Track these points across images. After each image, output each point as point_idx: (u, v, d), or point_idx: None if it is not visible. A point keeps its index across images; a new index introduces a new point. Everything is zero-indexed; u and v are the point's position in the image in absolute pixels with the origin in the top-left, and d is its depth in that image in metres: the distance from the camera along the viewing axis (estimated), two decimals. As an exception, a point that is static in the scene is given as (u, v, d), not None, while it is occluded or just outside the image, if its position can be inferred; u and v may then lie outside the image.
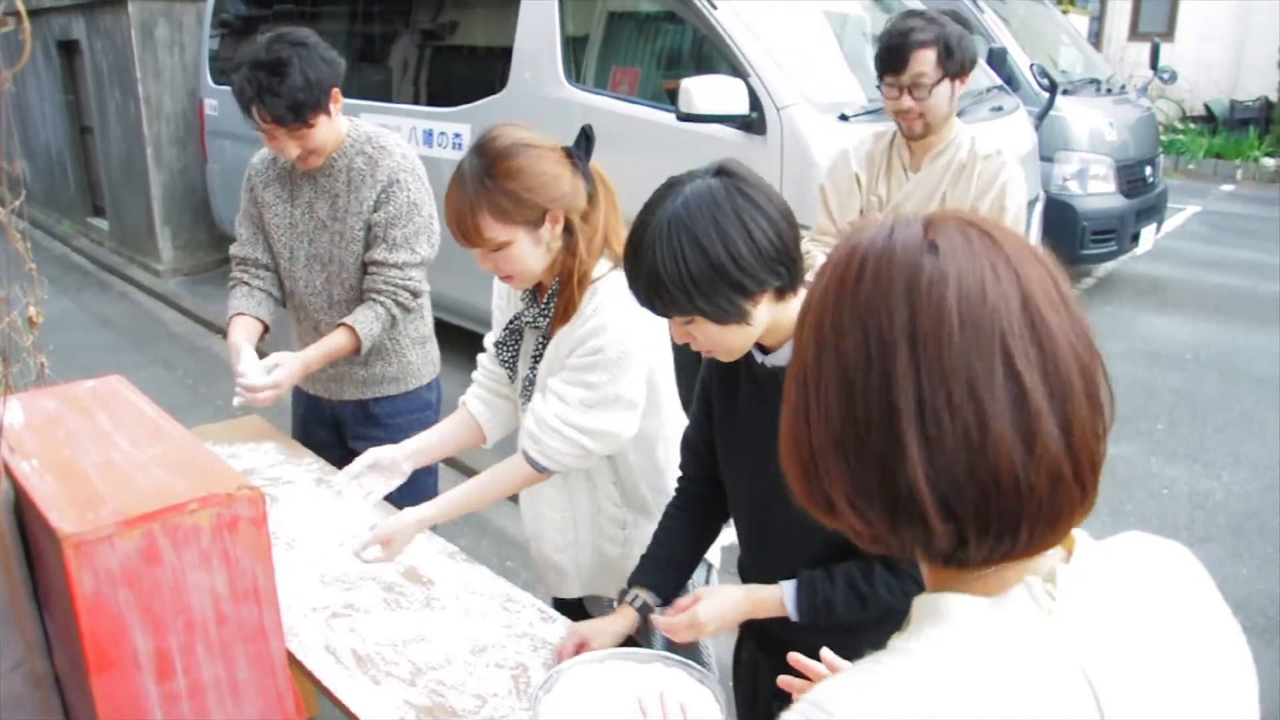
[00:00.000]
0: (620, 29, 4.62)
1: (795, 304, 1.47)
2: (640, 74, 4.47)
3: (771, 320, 1.46)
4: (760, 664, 1.76)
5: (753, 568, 1.73)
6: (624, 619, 1.75)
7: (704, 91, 3.80)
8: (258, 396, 2.25)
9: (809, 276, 1.98)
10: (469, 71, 5.20)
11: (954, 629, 0.70)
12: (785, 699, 1.25)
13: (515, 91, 4.53)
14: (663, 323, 1.54)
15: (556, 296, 1.85)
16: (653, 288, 1.40)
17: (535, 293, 1.92)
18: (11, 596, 1.10)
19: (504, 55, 4.69)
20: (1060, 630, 0.70)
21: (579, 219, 1.81)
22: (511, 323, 1.97)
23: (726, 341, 1.47)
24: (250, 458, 2.50)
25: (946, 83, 2.52)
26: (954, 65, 2.51)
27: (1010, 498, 0.66)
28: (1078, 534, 0.75)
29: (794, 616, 1.56)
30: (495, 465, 1.94)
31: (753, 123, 3.88)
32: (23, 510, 1.11)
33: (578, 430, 1.81)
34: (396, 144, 2.48)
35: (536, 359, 1.92)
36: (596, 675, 1.63)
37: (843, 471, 0.70)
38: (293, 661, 1.71)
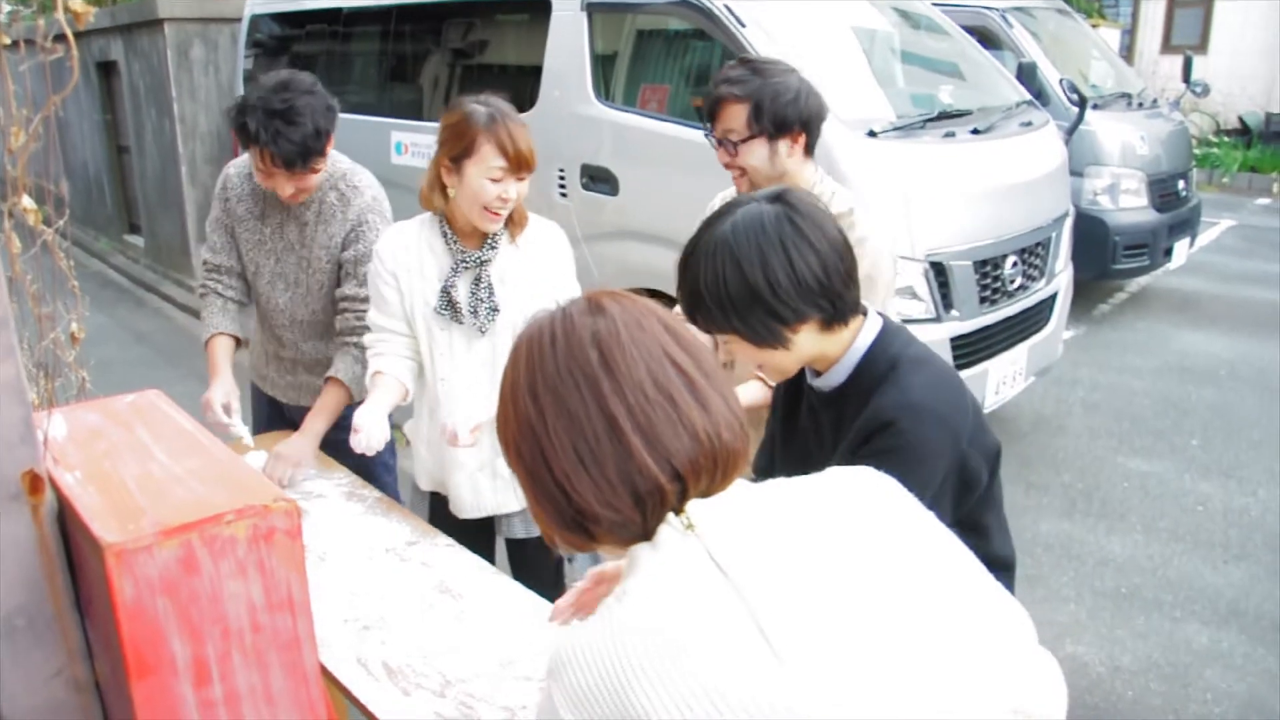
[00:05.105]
0: (649, 47, 4.65)
1: (847, 334, 1.53)
2: (669, 91, 4.49)
3: (818, 349, 1.52)
4: None
5: None
6: None
7: (732, 108, 3.81)
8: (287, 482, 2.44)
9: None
10: (499, 89, 5.23)
11: (643, 568, 0.95)
12: None
13: (545, 109, 4.57)
14: None
15: (498, 238, 2.28)
16: (694, 302, 1.49)
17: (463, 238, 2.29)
18: (55, 604, 1.12)
19: (534, 74, 4.73)
20: (697, 543, 0.95)
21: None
22: (457, 269, 2.26)
23: (763, 360, 1.53)
24: (283, 471, 2.53)
25: (763, 142, 2.27)
26: (766, 125, 2.25)
27: (706, 448, 0.95)
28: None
29: None
30: None
31: (780, 139, 3.88)
32: (66, 520, 1.14)
33: None
34: (368, 185, 2.62)
35: (474, 290, 2.27)
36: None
37: (589, 482, 0.94)
38: (323, 672, 1.73)
